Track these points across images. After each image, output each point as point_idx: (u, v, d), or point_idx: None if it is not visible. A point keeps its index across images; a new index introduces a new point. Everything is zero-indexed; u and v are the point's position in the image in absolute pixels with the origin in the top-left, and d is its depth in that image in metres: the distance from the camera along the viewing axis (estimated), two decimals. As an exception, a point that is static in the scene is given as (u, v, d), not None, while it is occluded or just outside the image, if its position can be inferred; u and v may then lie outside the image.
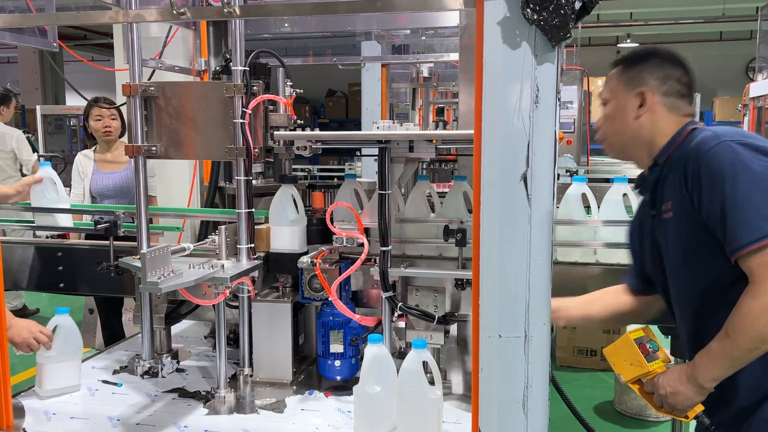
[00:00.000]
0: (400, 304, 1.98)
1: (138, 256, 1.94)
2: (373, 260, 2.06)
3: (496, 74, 1.38)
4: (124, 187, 3.66)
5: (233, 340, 2.40)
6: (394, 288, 2.01)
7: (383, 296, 1.98)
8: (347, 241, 2.06)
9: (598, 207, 2.31)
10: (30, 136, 9.31)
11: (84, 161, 3.77)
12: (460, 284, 2.01)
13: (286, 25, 3.78)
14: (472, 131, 1.44)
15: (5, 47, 13.84)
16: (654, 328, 1.83)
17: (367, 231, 2.08)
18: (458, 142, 2.03)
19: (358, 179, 2.54)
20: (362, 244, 2.02)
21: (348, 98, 12.96)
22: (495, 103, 1.39)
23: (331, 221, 2.08)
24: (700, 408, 1.64)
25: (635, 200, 2.35)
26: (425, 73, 5.83)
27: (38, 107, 9.12)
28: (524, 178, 1.39)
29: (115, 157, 3.72)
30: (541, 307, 1.44)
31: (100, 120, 3.73)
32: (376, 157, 1.97)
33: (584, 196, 2.29)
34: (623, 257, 2.23)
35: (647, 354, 1.70)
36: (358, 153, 6.61)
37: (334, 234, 2.07)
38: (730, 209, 1.49)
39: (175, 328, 2.55)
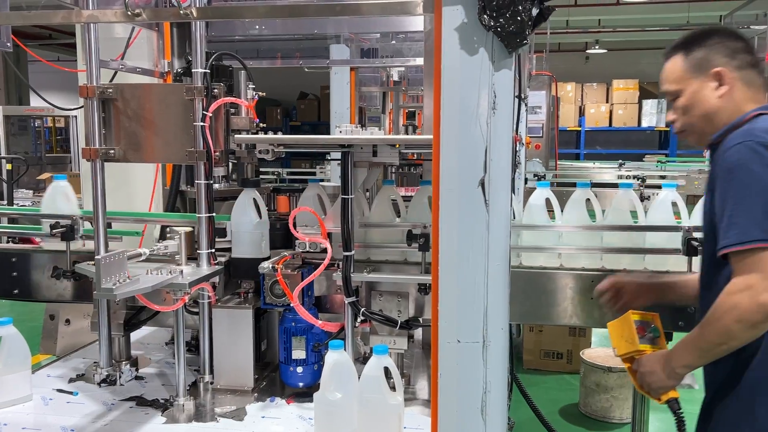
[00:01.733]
0: (362, 309, 1.97)
1: (93, 262, 1.89)
2: (336, 265, 2.04)
3: (455, 80, 1.38)
4: None
5: (195, 347, 2.36)
6: (357, 293, 1.99)
7: (346, 301, 1.97)
8: (310, 246, 2.04)
9: (562, 212, 2.33)
10: (-8, 137, 9.09)
11: None
12: (423, 289, 2.00)
13: (256, 27, 3.75)
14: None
15: (-33, 46, 13.45)
16: None
17: (330, 236, 2.07)
18: (421, 147, 2.03)
19: (323, 183, 2.53)
20: (325, 249, 2.00)
21: (320, 101, 12.93)
22: (453, 109, 1.39)
23: (294, 226, 2.06)
24: (674, 394, 1.72)
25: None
26: (395, 77, 5.82)
27: (0, 108, 8.91)
28: (482, 184, 1.39)
29: None
30: (499, 312, 1.44)
31: None
32: (339, 161, 1.96)
33: (548, 201, 2.30)
34: (587, 262, 2.25)
35: (643, 336, 1.78)
36: (328, 156, 6.58)
37: (297, 239, 2.05)
38: (729, 207, 1.53)
39: (136, 335, 2.50)
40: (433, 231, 1.44)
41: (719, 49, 1.68)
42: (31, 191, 7.84)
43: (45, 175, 7.98)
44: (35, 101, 11.82)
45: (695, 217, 2.17)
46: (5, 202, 6.42)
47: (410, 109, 6.47)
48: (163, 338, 2.61)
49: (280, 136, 1.99)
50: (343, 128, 1.90)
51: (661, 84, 1.78)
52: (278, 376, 2.12)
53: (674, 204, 2.24)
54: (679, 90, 1.71)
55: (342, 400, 1.73)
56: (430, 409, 1.49)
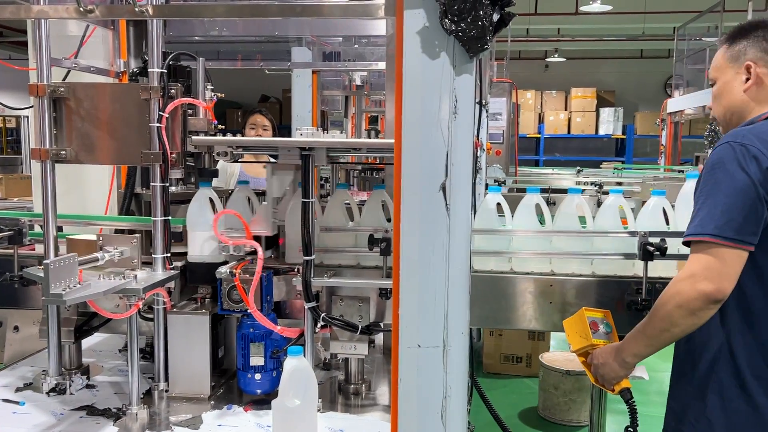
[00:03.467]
0: (323, 314, 1.94)
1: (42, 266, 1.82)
2: (296, 270, 2.01)
3: (416, 84, 1.38)
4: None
5: (149, 354, 2.30)
6: (317, 298, 1.97)
7: (306, 306, 1.94)
8: (234, 249, 2.01)
9: (512, 215, 2.34)
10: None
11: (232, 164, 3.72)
12: (385, 293, 1.99)
13: (216, 28, 3.69)
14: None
15: None
16: None
17: (259, 239, 2.03)
18: (383, 151, 2.02)
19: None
20: (254, 252, 1.97)
21: (282, 104, 12.83)
22: (414, 113, 1.39)
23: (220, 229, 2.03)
24: (626, 384, 1.80)
25: (548, 211, 2.38)
26: (358, 82, 5.82)
27: (-54, 106, 8.55)
28: (443, 188, 1.39)
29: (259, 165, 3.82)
30: (459, 316, 1.44)
31: (253, 129, 3.91)
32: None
33: (499, 206, 2.32)
34: (536, 266, 2.27)
35: (596, 331, 1.86)
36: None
37: (220, 242, 2.01)
38: (700, 201, 1.61)
39: (88, 342, 2.42)
40: (395, 235, 1.43)
41: (757, 43, 1.71)
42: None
43: (-6, 177, 7.71)
44: (-16, 100, 11.39)
45: (643, 222, 2.22)
46: (-49, 204, 6.16)
47: (373, 114, 6.49)
48: (116, 345, 2.53)
49: (238, 138, 1.96)
50: (303, 131, 1.88)
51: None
52: (236, 384, 2.08)
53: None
54: (716, 78, 1.78)
55: (301, 407, 1.71)
56: (390, 414, 1.48)
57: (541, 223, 2.33)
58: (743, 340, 1.63)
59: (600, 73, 12.89)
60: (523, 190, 5.29)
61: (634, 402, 1.80)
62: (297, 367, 1.71)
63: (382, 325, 2.06)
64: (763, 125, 1.65)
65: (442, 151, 1.39)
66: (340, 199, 2.19)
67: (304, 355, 1.82)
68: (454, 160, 1.39)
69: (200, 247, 2.07)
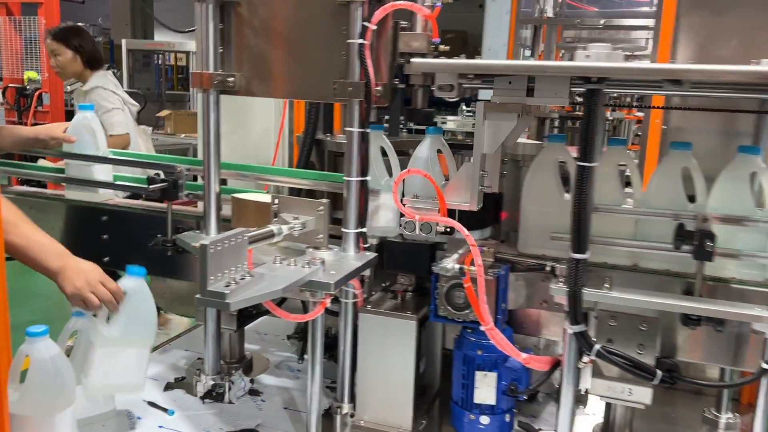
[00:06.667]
0: (597, 346, 1.25)
1: (200, 233, 1.30)
2: (552, 270, 1.34)
3: None
4: None
5: (329, 347, 1.76)
6: (585, 319, 1.28)
7: (569, 330, 1.26)
8: (422, 227, 1.36)
9: None
10: (116, 71, 9.05)
11: None
12: (696, 320, 1.25)
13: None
14: None
15: (98, -18, 13.68)
16: None
17: (453, 214, 1.37)
18: (716, 86, 1.24)
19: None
20: (451, 231, 1.33)
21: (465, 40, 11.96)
22: None
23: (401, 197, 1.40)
24: None
25: None
26: (549, 13, 4.99)
27: (123, 41, 8.77)
28: None
29: None
30: None
31: None
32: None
33: None
34: None
35: None
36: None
37: (403, 216, 1.38)
38: None
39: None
40: None
41: None
42: (150, 127, 7.71)
43: (164, 113, 7.79)
44: (159, 37, 11.79)
45: None
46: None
47: (564, 51, 5.57)
48: (283, 328, 2.04)
49: (476, 61, 1.28)
50: (592, 52, 1.16)
51: None
52: (445, 415, 1.48)
53: None
54: None
55: None
56: None
57: None
58: None
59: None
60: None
61: None
62: None
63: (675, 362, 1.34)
64: None
65: None
66: (613, 161, 1.45)
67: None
68: None
69: (385, 215, 1.47)
